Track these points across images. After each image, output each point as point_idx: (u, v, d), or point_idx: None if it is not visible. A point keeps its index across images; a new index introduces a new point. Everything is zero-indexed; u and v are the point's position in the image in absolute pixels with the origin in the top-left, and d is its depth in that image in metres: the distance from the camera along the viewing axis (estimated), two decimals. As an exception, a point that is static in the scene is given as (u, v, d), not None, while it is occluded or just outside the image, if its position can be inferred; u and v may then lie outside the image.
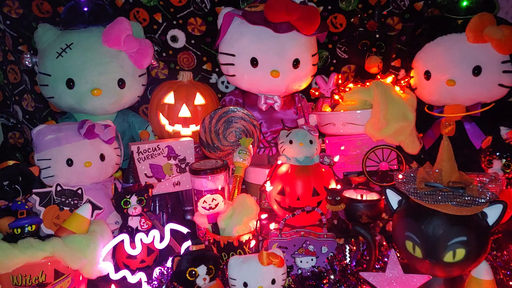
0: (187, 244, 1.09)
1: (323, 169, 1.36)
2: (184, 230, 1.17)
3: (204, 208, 1.22)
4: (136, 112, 1.82)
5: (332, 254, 1.18)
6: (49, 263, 1.06)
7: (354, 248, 1.14)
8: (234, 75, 1.63)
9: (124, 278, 1.13)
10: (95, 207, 1.24)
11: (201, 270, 1.00)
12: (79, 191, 1.28)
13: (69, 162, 1.37)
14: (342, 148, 1.53)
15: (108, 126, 1.44)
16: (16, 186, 1.22)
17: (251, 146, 1.46)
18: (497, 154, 1.26)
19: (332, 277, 1.08)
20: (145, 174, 1.46)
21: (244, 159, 1.41)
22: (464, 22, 1.53)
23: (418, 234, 0.92)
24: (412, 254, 0.94)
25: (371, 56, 1.62)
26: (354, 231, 1.13)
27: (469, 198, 0.90)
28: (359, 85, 1.54)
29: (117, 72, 1.58)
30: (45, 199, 1.25)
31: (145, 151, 1.45)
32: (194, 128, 1.68)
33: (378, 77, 1.56)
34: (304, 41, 1.59)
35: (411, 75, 1.67)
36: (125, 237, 1.19)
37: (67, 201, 1.26)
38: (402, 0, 1.80)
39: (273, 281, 1.01)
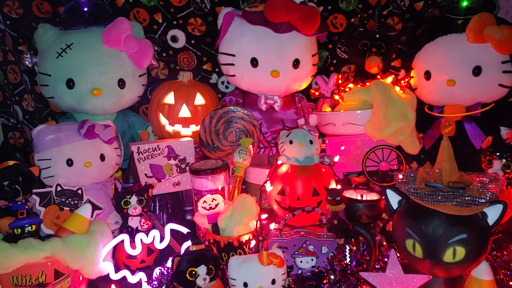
0: (187, 244, 1.09)
1: (323, 169, 1.36)
2: (184, 230, 1.17)
3: (204, 208, 1.22)
4: (136, 112, 1.82)
5: (332, 254, 1.18)
6: (49, 263, 1.06)
7: (354, 248, 1.14)
8: (234, 75, 1.63)
9: (124, 278, 1.13)
10: (95, 207, 1.24)
11: (201, 270, 1.00)
12: (79, 191, 1.28)
13: (69, 162, 1.37)
14: (342, 148, 1.53)
15: (108, 126, 1.44)
16: (16, 186, 1.22)
17: (251, 146, 1.46)
18: (497, 154, 1.26)
19: (332, 277, 1.08)
20: (145, 174, 1.46)
21: (244, 159, 1.41)
22: (464, 22, 1.53)
23: (418, 234, 0.92)
24: (412, 254, 0.94)
25: (371, 56, 1.62)
26: (354, 231, 1.13)
27: (469, 198, 0.90)
28: (359, 85, 1.55)
29: (117, 72, 1.58)
30: (45, 199, 1.24)
31: (145, 151, 1.45)
32: (194, 128, 1.68)
33: (378, 77, 1.56)
34: (304, 41, 1.60)
35: (411, 75, 1.67)
36: (125, 237, 1.19)
37: (67, 201, 1.26)
38: (402, 0, 1.80)
39: (273, 281, 1.01)
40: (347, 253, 1.13)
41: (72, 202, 1.27)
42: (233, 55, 1.59)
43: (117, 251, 1.25)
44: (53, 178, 1.37)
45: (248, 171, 1.51)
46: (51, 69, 1.55)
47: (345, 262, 1.12)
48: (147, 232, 1.22)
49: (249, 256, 1.06)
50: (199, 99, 1.68)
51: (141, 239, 1.20)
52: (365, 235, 1.05)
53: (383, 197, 1.06)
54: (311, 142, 1.34)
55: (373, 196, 1.29)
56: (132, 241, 1.20)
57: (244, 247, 1.22)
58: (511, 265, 1.10)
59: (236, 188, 1.39)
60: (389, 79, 1.54)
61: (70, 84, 1.53)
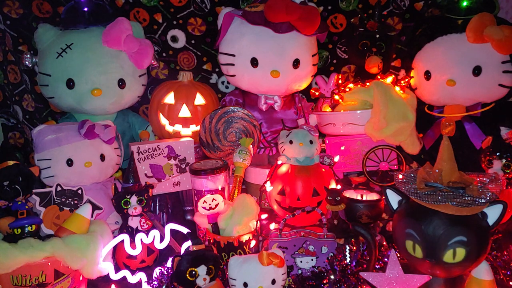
0: (187, 244, 1.09)
1: (323, 169, 1.36)
2: (184, 230, 1.17)
3: (204, 208, 1.22)
4: (136, 112, 1.82)
5: (332, 254, 1.18)
6: (49, 263, 1.06)
7: (354, 248, 1.14)
8: (234, 75, 1.63)
9: (124, 278, 1.13)
10: (95, 207, 1.24)
11: (201, 270, 0.99)
12: (79, 191, 1.28)
13: (69, 162, 1.37)
14: (342, 148, 1.53)
15: (108, 126, 1.44)
16: (16, 186, 1.22)
17: (251, 146, 1.46)
18: (497, 154, 1.26)
19: (332, 277, 1.08)
20: (145, 174, 1.46)
21: (244, 159, 1.41)
22: (464, 22, 1.53)
23: (418, 234, 0.92)
24: (412, 254, 0.94)
25: (371, 56, 1.62)
26: (354, 231, 1.13)
27: (469, 198, 0.90)
28: (359, 85, 1.55)
29: (117, 72, 1.58)
30: (45, 199, 1.25)
31: (145, 151, 1.45)
32: (194, 128, 1.68)
33: (378, 77, 1.56)
34: (304, 41, 1.59)
35: (411, 75, 1.67)
36: (125, 237, 1.19)
37: (67, 201, 1.26)
38: (402, 0, 1.80)
39: (273, 281, 1.01)
40: (347, 253, 1.13)
41: (72, 202, 1.27)
42: (233, 55, 1.59)
43: (117, 251, 1.25)
44: (53, 178, 1.37)
45: (248, 171, 1.51)
46: (51, 69, 1.55)
47: (345, 262, 1.12)
48: (147, 232, 1.22)
49: (249, 256, 1.06)
50: (199, 99, 1.68)
51: (141, 239, 1.20)
52: (365, 235, 1.05)
53: (383, 197, 1.06)
54: (311, 142, 1.34)
55: (373, 196, 1.29)
56: (132, 241, 1.20)
57: (244, 247, 1.22)
58: (511, 265, 1.10)
59: (236, 188, 1.39)
60: (389, 79, 1.54)
61: (70, 84, 1.53)
